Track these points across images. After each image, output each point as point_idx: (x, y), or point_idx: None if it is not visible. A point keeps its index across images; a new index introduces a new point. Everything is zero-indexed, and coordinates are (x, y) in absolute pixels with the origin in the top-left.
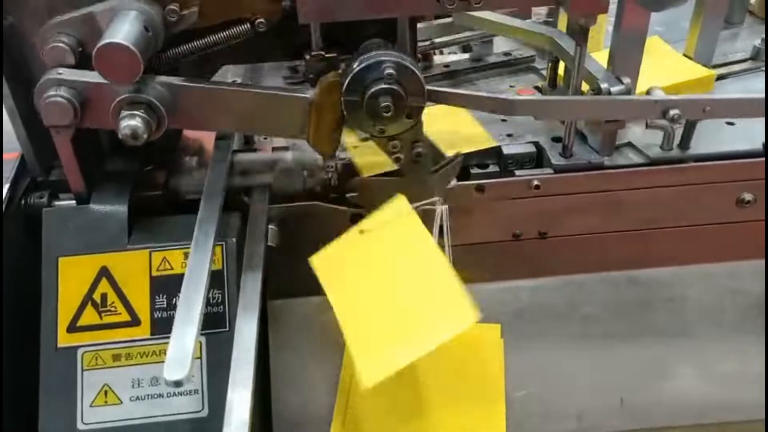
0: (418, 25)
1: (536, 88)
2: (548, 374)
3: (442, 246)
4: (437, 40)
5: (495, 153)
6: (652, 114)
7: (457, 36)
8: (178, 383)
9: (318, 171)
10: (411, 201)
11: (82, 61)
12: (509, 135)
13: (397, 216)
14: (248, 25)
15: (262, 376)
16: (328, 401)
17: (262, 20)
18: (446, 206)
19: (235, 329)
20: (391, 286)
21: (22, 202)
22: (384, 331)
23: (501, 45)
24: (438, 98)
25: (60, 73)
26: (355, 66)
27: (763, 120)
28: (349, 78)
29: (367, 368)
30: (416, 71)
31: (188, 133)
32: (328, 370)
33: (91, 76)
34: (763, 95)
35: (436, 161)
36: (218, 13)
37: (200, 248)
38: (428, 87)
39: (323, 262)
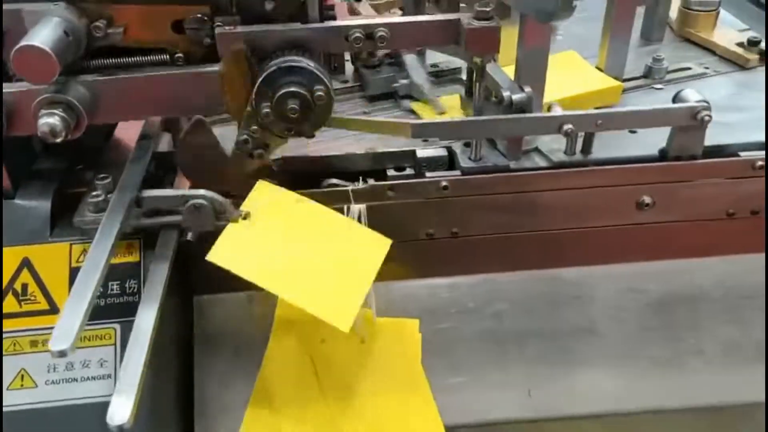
0: None
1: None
2: (460, 368)
3: None
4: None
5: (410, 156)
6: (548, 129)
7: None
8: (62, 353)
9: (229, 210)
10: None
11: None
12: (425, 140)
13: (269, 196)
14: (167, 56)
15: (183, 367)
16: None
17: (180, 56)
18: (364, 206)
19: (135, 317)
20: (305, 249)
21: None
22: (327, 284)
23: (433, 57)
24: (338, 124)
25: None
26: (289, 60)
27: (659, 129)
28: (274, 68)
29: (337, 316)
30: (332, 101)
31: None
32: (253, 363)
33: (17, 86)
34: (646, 108)
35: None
36: (141, 39)
37: (103, 237)
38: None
39: (224, 256)
